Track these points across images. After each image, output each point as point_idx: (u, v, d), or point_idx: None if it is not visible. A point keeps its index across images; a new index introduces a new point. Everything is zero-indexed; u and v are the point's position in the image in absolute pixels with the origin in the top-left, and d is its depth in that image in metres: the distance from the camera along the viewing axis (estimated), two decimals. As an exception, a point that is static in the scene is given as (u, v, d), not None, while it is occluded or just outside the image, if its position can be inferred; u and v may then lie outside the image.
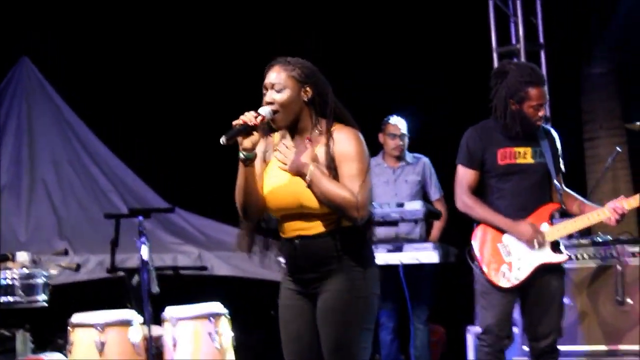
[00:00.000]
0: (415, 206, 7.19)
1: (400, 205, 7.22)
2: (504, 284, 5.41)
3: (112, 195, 9.64)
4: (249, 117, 4.01)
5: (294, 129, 4.18)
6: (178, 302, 6.45)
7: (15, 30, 9.68)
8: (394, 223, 7.18)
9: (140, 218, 6.27)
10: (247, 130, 4.01)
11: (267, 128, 4.17)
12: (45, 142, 9.81)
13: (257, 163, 4.19)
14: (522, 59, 8.22)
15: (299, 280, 4.18)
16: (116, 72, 9.83)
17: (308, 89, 4.12)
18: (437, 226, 7.58)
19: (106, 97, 9.73)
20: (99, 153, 9.92)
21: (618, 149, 6.80)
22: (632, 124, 6.64)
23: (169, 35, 9.91)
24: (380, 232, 7.01)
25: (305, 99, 4.13)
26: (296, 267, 4.17)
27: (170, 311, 6.29)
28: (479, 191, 5.53)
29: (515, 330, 6.30)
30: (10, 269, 6.20)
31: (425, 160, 7.74)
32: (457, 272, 6.85)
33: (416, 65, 9.19)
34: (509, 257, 5.42)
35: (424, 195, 7.65)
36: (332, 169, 4.04)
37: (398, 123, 7.67)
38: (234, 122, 4.02)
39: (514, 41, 8.48)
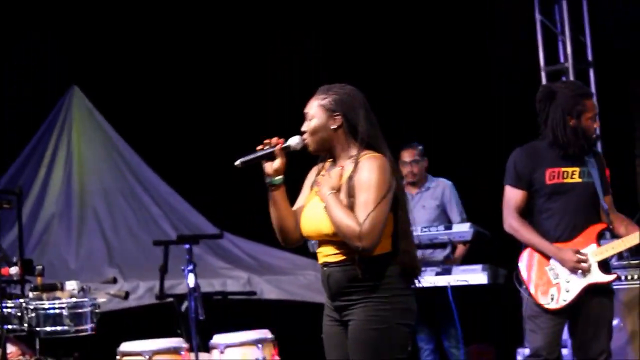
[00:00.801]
0: (464, 228, 7.11)
1: (449, 227, 7.16)
2: (553, 306, 5.35)
3: (163, 222, 9.70)
4: (269, 143, 4.11)
5: (333, 157, 4.21)
6: (228, 327, 6.47)
7: (15, 31, 9.74)
8: (442, 245, 7.13)
9: (187, 246, 6.31)
10: (265, 156, 4.11)
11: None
12: (95, 171, 9.92)
13: (306, 190, 4.27)
14: (571, 77, 8.16)
15: (333, 307, 4.19)
16: (157, 94, 9.88)
17: (337, 117, 4.13)
18: (461, 247, 7.43)
19: (152, 121, 9.79)
20: (149, 180, 10.02)
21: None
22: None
23: (170, 40, 9.93)
24: None
25: (334, 127, 4.14)
26: (327, 293, 4.19)
27: (218, 338, 6.32)
28: (525, 210, 5.46)
29: (565, 351, 6.23)
30: (59, 298, 6.25)
31: (446, 183, 7.59)
32: (507, 293, 6.79)
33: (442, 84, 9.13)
34: (557, 279, 5.36)
35: (447, 219, 7.49)
36: (353, 197, 4.02)
37: (409, 150, 7.55)
38: (257, 148, 4.13)
39: (562, 59, 8.42)
